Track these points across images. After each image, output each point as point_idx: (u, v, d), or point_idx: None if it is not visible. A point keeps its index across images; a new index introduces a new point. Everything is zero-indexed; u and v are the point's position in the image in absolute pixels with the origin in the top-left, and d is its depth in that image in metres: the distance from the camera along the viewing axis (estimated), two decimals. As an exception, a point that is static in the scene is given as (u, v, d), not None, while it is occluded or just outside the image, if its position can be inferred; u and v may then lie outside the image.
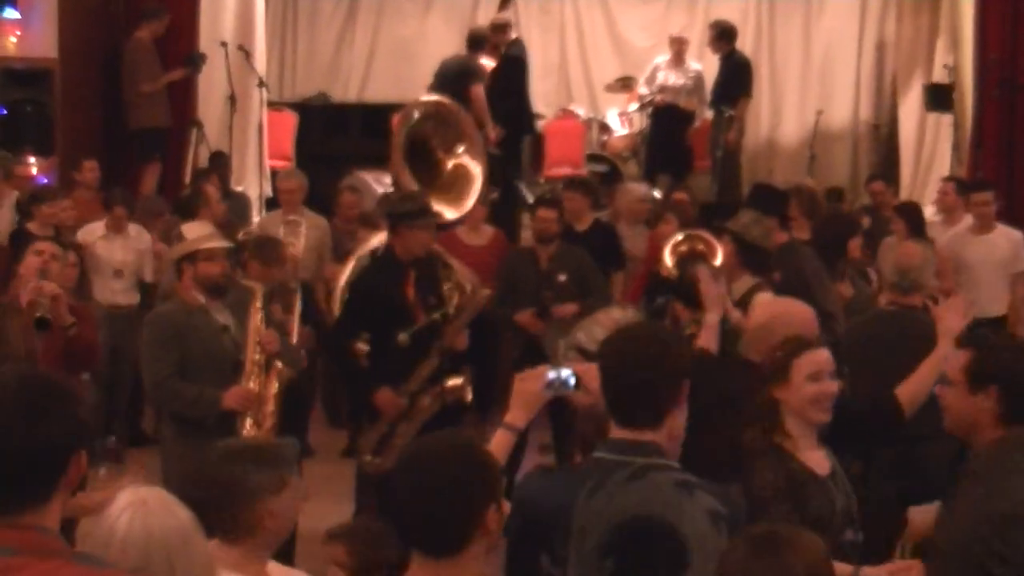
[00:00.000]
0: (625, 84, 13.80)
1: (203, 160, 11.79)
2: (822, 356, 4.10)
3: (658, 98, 13.01)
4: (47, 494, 2.40)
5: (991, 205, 9.06)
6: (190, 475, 3.60)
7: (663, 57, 13.14)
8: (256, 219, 7.34)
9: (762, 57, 14.22)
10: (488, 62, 11.99)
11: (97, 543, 3.41)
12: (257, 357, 5.95)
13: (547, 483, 3.41)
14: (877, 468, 5.81)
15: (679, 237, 7.53)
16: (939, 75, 12.86)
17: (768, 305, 5.26)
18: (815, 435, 4.07)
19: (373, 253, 7.46)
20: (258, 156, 12.33)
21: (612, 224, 9.44)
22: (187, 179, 11.34)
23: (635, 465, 3.20)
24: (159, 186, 11.42)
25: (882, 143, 14.20)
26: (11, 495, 2.37)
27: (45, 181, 10.40)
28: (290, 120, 13.34)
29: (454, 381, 6.71)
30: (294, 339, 6.73)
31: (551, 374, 3.70)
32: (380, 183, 11.18)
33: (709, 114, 12.79)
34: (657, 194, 12.31)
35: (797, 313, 4.78)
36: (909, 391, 4.58)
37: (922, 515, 4.13)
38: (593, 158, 13.59)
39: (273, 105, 13.18)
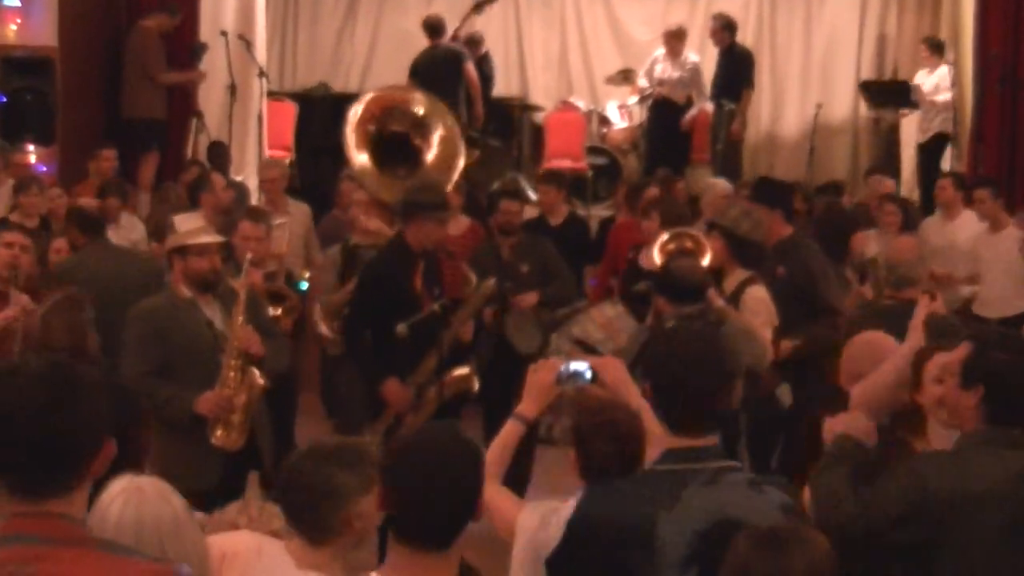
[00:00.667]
0: (626, 77, 13.79)
1: (203, 150, 11.79)
2: (945, 359, 4.07)
3: (656, 91, 13.01)
4: (73, 483, 2.41)
5: (986, 203, 9.05)
6: (279, 478, 3.49)
7: (662, 50, 13.14)
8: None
9: (763, 50, 14.21)
10: None
11: (91, 528, 3.42)
12: (234, 362, 5.84)
13: (614, 501, 3.30)
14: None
15: (666, 236, 7.53)
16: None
17: (859, 339, 5.16)
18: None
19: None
20: (258, 146, 12.32)
21: (585, 218, 9.48)
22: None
23: (706, 472, 3.17)
24: (157, 176, 11.42)
25: (882, 137, 14.19)
26: (37, 483, 2.38)
27: (44, 169, 10.39)
28: (290, 110, 13.33)
29: (459, 372, 6.73)
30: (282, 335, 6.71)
31: (565, 366, 3.68)
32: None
33: (709, 106, 12.78)
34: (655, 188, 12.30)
35: (883, 346, 4.68)
36: (864, 388, 4.23)
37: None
38: (593, 151, 13.59)
39: (273, 95, 13.19)
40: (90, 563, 2.35)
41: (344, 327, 7.22)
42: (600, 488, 3.57)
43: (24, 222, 8.20)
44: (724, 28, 12.56)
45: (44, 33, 10.82)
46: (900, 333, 5.83)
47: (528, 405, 3.71)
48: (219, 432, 5.76)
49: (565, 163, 13.44)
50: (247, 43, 12.18)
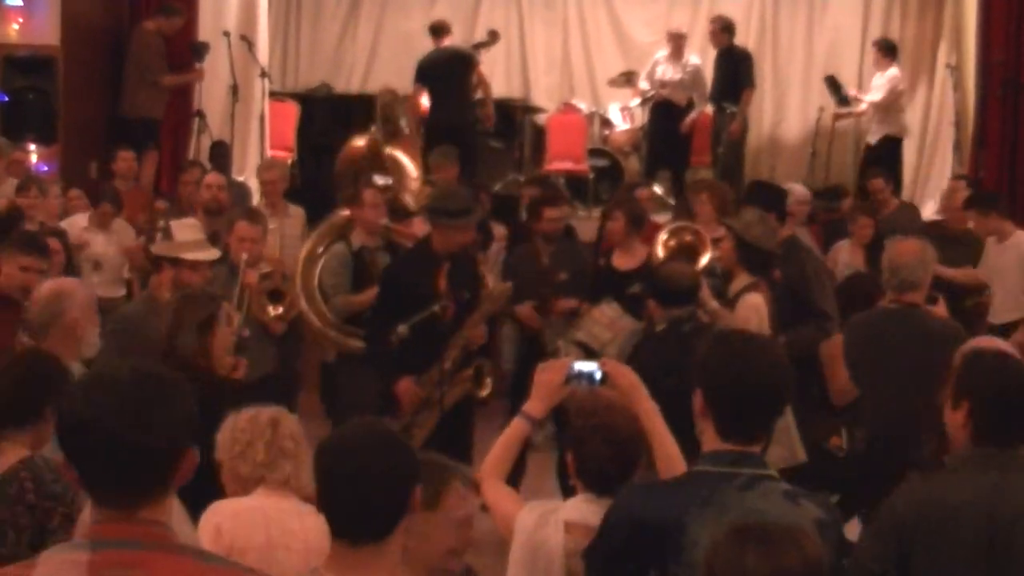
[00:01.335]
0: (627, 79, 13.78)
1: (205, 150, 11.80)
2: None
3: (657, 93, 13.00)
4: (162, 490, 2.35)
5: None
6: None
7: (664, 52, 13.13)
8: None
9: (765, 54, 14.20)
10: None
11: (86, 519, 3.42)
12: None
13: (651, 498, 3.24)
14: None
15: (665, 232, 7.52)
16: (942, 74, 12.88)
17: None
18: None
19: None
20: (260, 146, 12.33)
21: (571, 224, 9.52)
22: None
23: (744, 476, 3.14)
24: (157, 175, 11.43)
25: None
26: (127, 490, 2.32)
27: (46, 169, 10.40)
28: (292, 111, 13.33)
29: (464, 375, 6.86)
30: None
31: (576, 366, 3.67)
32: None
33: (709, 108, 12.77)
34: (658, 190, 12.31)
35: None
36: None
37: None
38: (594, 152, 13.59)
39: (275, 95, 13.19)
40: (187, 571, 2.31)
41: (367, 325, 7.31)
42: (640, 485, 3.55)
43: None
44: (723, 30, 12.55)
45: (46, 32, 10.83)
46: (901, 335, 5.87)
47: (536, 405, 3.69)
48: None
49: (566, 165, 13.46)
50: (249, 43, 12.19)
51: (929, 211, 12.04)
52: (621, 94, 13.98)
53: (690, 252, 7.23)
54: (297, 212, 9.34)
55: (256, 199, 11.64)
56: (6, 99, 10.44)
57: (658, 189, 12.30)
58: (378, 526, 2.72)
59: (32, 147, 10.44)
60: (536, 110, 14.24)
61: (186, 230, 6.20)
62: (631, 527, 3.19)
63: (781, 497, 3.15)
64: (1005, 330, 7.59)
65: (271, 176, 9.43)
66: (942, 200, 10.05)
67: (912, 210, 10.94)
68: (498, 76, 13.79)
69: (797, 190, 9.64)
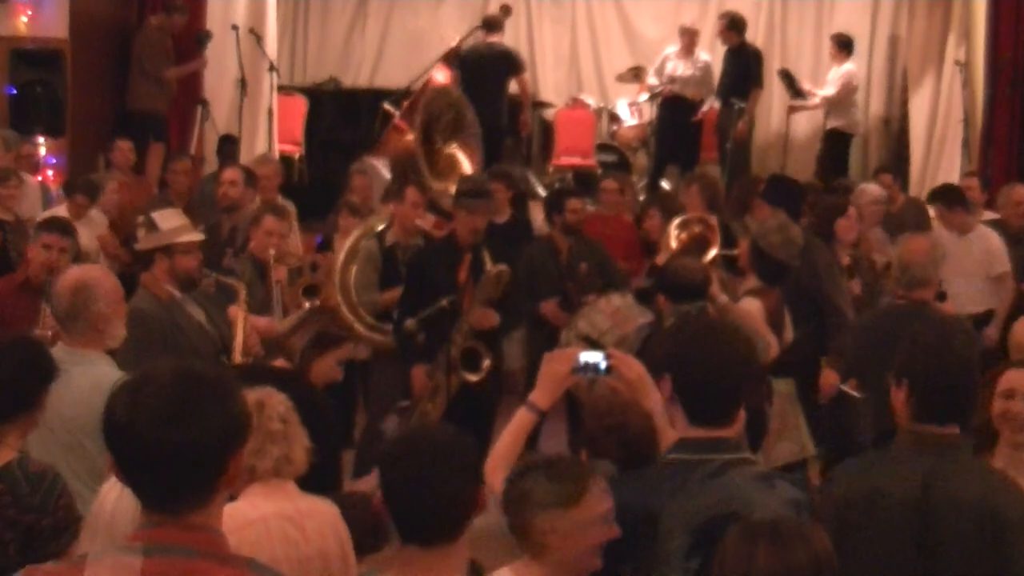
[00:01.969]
0: (636, 74, 13.78)
1: (209, 138, 11.80)
2: (1016, 376, 4.06)
3: (666, 89, 12.98)
4: (210, 493, 2.29)
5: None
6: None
7: (673, 47, 13.11)
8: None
9: (774, 51, 14.18)
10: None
11: (87, 515, 3.44)
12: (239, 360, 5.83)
13: (628, 490, 3.25)
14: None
15: (675, 224, 7.52)
16: (950, 71, 12.85)
17: None
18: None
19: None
20: (268, 141, 12.33)
21: (528, 220, 9.56)
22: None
23: (715, 463, 3.16)
24: (162, 167, 11.44)
25: (892, 138, 14.17)
26: (176, 494, 2.27)
27: (54, 161, 10.42)
28: (300, 105, 13.34)
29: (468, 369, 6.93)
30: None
31: (582, 357, 3.66)
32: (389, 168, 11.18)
33: (718, 104, 12.75)
34: (666, 185, 12.31)
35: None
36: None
37: None
38: (602, 148, 13.59)
39: (284, 89, 13.18)
40: None
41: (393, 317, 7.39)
42: (625, 475, 3.57)
43: (2, 215, 8.21)
44: (732, 27, 12.53)
45: (54, 25, 10.83)
46: (909, 332, 5.86)
47: (541, 395, 3.68)
48: None
49: (575, 160, 13.47)
50: (258, 37, 12.20)
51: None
52: (629, 89, 13.97)
53: (701, 243, 7.23)
54: (289, 208, 9.34)
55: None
56: (14, 92, 10.43)
57: (666, 184, 12.30)
58: (450, 528, 2.79)
59: (40, 140, 10.44)
60: (544, 105, 14.23)
61: (169, 218, 6.11)
62: (617, 515, 3.21)
63: (754, 480, 3.17)
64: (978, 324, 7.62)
65: (266, 171, 9.41)
66: (999, 199, 9.75)
67: (919, 206, 10.92)
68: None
69: (870, 190, 9.40)
